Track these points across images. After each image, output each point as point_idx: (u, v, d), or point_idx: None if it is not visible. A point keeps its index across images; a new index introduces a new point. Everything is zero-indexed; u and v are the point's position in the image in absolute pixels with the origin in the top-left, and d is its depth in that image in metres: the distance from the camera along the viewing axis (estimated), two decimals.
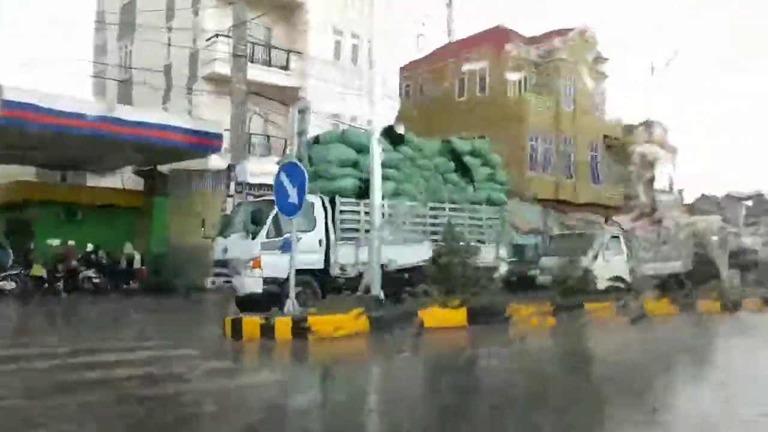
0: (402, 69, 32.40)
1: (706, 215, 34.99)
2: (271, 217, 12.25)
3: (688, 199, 34.67)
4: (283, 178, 11.01)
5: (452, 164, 15.13)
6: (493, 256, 15.57)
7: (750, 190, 49.61)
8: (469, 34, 35.42)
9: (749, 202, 45.30)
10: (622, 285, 17.27)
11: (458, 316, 11.93)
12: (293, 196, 10.88)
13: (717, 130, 62.24)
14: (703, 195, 37.03)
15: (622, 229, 18.01)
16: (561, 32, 31.91)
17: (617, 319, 13.82)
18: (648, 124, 32.66)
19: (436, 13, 40.98)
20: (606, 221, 21.90)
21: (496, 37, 31.70)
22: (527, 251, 20.27)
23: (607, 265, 16.84)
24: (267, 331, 10.24)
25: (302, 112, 13.15)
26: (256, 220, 12.45)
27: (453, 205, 15.05)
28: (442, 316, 11.72)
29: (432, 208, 14.74)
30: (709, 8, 69.45)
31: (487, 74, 31.21)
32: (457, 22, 42.33)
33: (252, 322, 10.41)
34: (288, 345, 10.06)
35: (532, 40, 32.39)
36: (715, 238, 30.93)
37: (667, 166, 34.54)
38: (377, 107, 12.34)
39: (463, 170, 15.26)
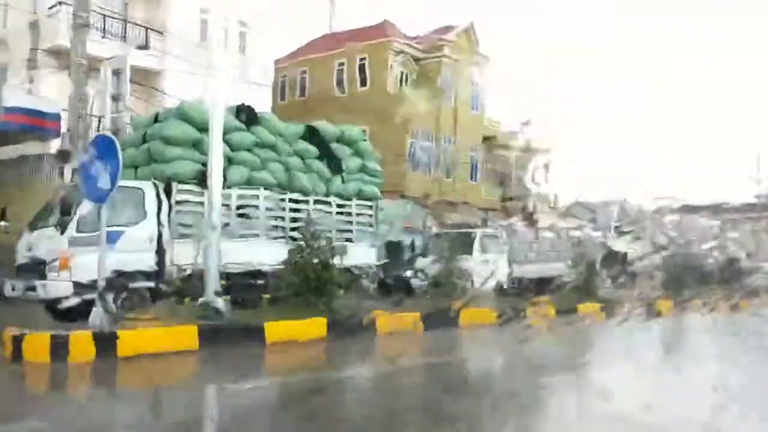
0: (279, 60, 30.09)
1: (580, 220, 35.04)
2: (82, 206, 9.68)
3: (564, 203, 34.56)
4: (91, 155, 8.54)
5: (317, 151, 13.04)
6: (364, 256, 13.65)
7: (620, 198, 50.91)
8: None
9: (618, 209, 46.31)
10: (502, 287, 15.90)
11: (314, 328, 9.90)
12: (104, 179, 8.44)
13: (595, 136, 63.95)
14: (576, 200, 36.99)
15: (502, 228, 16.68)
16: (445, 29, 30.71)
17: (495, 326, 12.29)
18: (526, 127, 32.16)
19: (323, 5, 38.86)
20: (485, 221, 20.58)
21: (380, 31, 30.04)
22: (405, 251, 18.52)
23: (485, 267, 15.38)
24: (59, 349, 7.75)
25: (117, 73, 10.63)
26: (67, 210, 9.81)
27: (318, 198, 12.99)
28: (294, 329, 9.64)
29: (293, 201, 12.61)
30: (594, 15, 71.46)
31: (368, 68, 29.47)
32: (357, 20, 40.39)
33: (38, 338, 7.87)
34: (84, 368, 7.64)
35: (416, 37, 31.00)
36: (593, 241, 30.56)
37: (544, 169, 34.29)
38: (222, 79, 10.03)
39: (331, 159, 13.22)
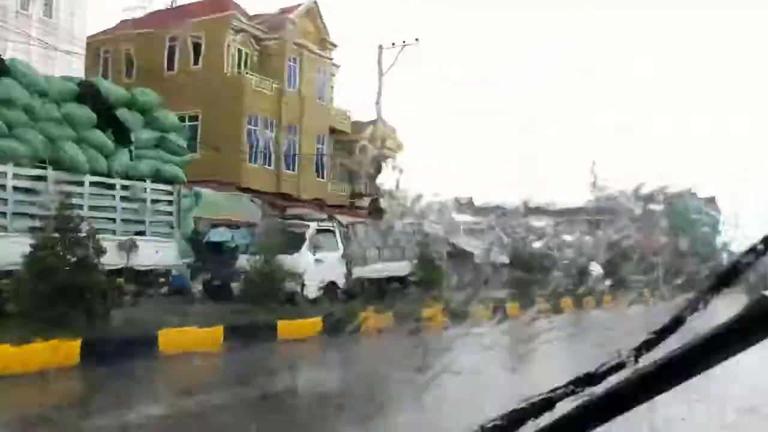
0: (99, 34, 26.02)
1: (429, 218, 33.61)
2: None
3: (415, 201, 32.92)
4: None
5: (96, 117, 9.86)
6: (161, 255, 10.66)
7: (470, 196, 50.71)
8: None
9: (466, 207, 45.89)
10: (339, 290, 13.49)
11: (57, 354, 6.87)
12: None
13: (450, 131, 63.72)
14: (427, 200, 35.53)
15: (341, 224, 14.26)
16: (289, 10, 27.95)
17: (320, 339, 9.85)
18: (377, 121, 30.22)
19: None
20: (332, 218, 18.02)
21: (217, 7, 26.69)
22: (227, 250, 15.57)
23: (319, 267, 12.89)
24: None
25: None
26: None
27: (96, 179, 9.83)
28: (19, 357, 6.57)
29: (61, 182, 9.37)
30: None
31: (204, 46, 26.08)
32: None
33: None
34: None
35: (258, 15, 27.98)
36: (441, 240, 28.91)
37: (395, 165, 32.55)
38: None
39: (116, 129, 10.09)
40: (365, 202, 27.89)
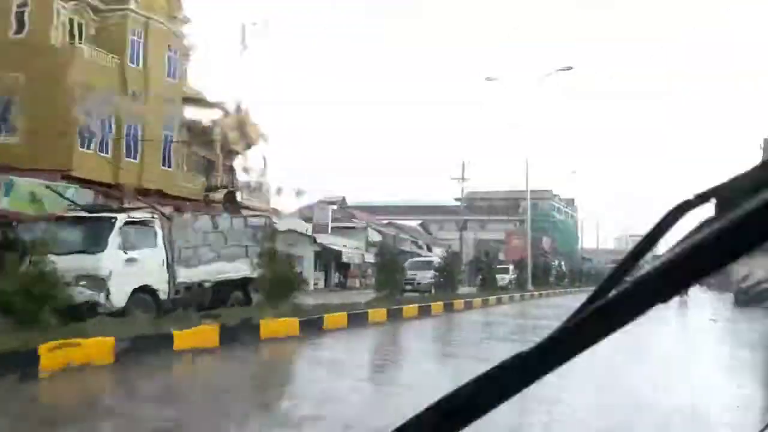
0: None
1: (292, 214, 30.90)
2: None
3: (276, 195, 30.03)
4: None
5: None
6: None
7: (337, 195, 48.34)
8: None
9: (335, 206, 43.52)
10: (160, 299, 10.56)
11: None
12: None
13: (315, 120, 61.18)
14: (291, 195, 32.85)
15: (163, 215, 11.32)
16: None
17: (110, 369, 7.02)
18: (236, 108, 27.18)
19: None
20: (152, 209, 14.76)
21: None
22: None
23: (130, 269, 9.92)
24: None
25: None
26: None
27: None
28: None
29: None
30: None
31: (27, 14, 21.90)
32: None
33: None
34: None
35: None
36: (304, 239, 26.38)
37: (256, 156, 29.62)
38: None
39: None
40: (220, 194, 24.76)
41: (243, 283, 12.25)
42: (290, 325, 10.29)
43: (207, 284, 11.43)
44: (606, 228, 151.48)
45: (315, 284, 29.49)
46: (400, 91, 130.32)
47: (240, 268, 11.87)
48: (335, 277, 36.36)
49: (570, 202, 75.38)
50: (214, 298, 11.65)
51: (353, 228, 41.11)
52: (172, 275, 10.74)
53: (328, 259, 34.82)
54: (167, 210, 12.39)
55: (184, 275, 10.97)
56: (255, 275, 11.67)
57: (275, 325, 9.93)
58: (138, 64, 23.46)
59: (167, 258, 10.82)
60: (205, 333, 8.70)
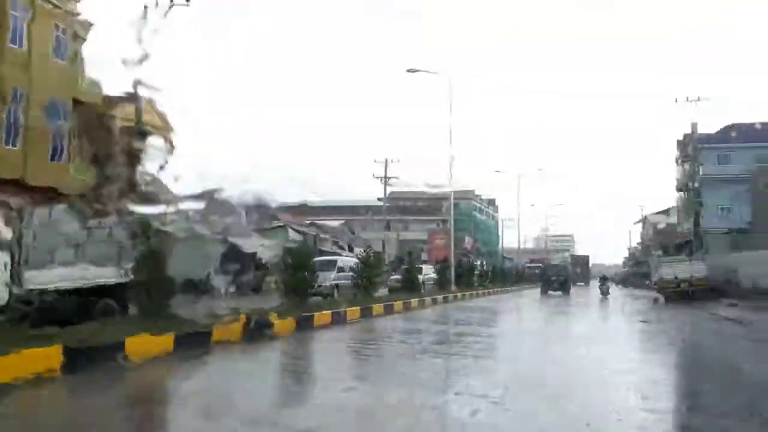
0: None
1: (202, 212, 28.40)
2: None
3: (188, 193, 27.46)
4: None
5: None
6: None
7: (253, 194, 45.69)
8: None
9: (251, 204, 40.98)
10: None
11: None
12: None
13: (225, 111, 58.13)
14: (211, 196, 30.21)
15: (10, 208, 9.03)
16: None
17: None
18: (137, 96, 24.45)
19: None
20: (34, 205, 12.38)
21: None
22: None
23: None
24: None
25: None
26: None
27: None
28: None
29: None
30: None
31: None
32: None
33: None
34: None
35: None
36: (211, 239, 24.05)
37: (162, 150, 26.94)
38: None
39: None
40: (117, 191, 22.08)
41: (116, 290, 10.05)
42: (164, 342, 8.23)
43: (66, 292, 9.19)
44: (526, 228, 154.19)
45: (226, 289, 27.09)
46: (325, 88, 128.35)
47: (107, 273, 9.68)
48: (251, 280, 33.97)
49: (491, 203, 75.39)
50: (77, 307, 9.41)
51: (272, 228, 38.80)
52: (15, 280, 8.46)
53: (242, 261, 32.40)
54: (17, 202, 10.02)
55: (33, 280, 8.71)
56: (128, 280, 9.51)
57: (143, 343, 7.85)
58: (20, 45, 20.57)
59: (13, 259, 8.53)
60: (37, 357, 6.55)
